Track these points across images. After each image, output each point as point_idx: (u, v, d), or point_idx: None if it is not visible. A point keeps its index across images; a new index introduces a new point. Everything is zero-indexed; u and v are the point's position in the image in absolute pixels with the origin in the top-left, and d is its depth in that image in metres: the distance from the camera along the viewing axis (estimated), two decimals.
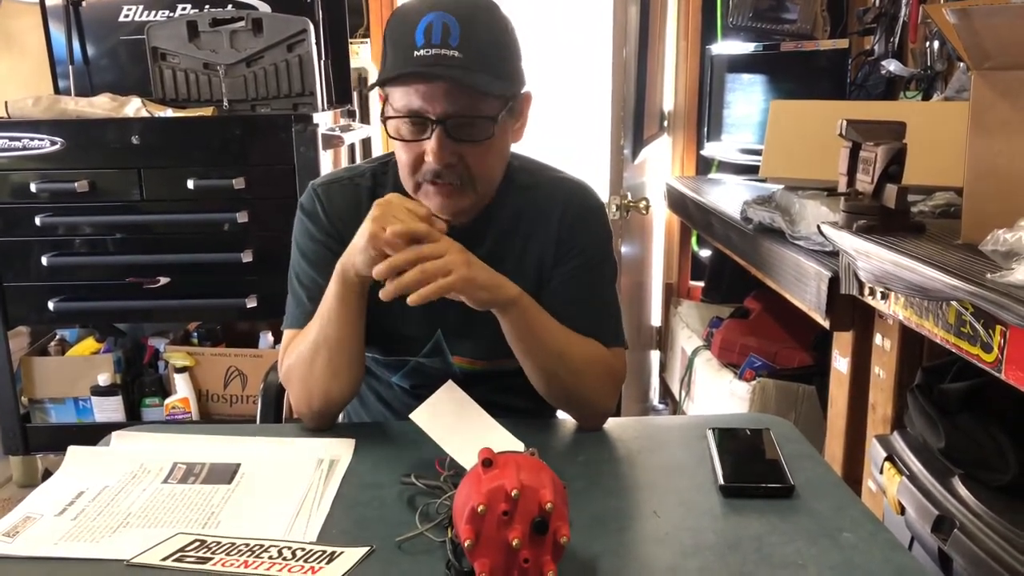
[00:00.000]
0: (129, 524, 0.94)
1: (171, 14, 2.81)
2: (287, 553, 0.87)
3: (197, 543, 0.89)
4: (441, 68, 1.07)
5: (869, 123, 1.49)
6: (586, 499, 0.97)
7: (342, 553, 0.87)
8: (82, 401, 2.70)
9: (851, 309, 1.63)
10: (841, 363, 1.71)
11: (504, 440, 0.99)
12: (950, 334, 1.23)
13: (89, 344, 2.79)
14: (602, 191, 2.44)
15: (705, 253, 3.26)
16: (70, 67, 2.83)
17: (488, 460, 0.81)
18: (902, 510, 1.40)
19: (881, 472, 1.49)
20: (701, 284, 3.27)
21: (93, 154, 2.44)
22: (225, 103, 2.63)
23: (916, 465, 1.40)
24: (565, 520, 0.80)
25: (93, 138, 2.44)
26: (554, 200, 1.28)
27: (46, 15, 2.86)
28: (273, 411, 1.47)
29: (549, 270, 1.25)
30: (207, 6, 2.80)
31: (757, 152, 2.47)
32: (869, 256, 1.38)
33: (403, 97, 1.12)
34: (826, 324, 1.66)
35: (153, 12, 2.83)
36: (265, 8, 2.81)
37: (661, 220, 3.33)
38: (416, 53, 1.08)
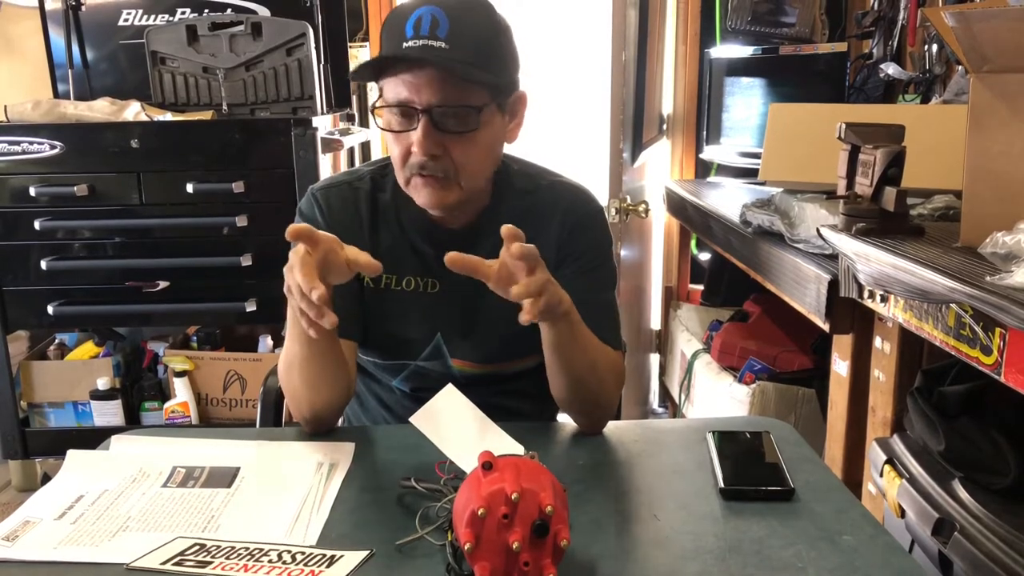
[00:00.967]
0: (129, 528, 0.94)
1: (170, 18, 2.81)
2: (287, 557, 0.87)
3: (197, 547, 0.89)
4: (426, 53, 1.09)
5: (868, 126, 1.49)
6: (586, 502, 0.97)
7: (342, 557, 0.87)
8: (81, 405, 2.70)
9: (851, 312, 1.62)
10: (841, 366, 1.71)
11: (504, 443, 0.99)
12: (950, 337, 1.23)
13: (88, 348, 2.79)
14: (601, 194, 2.44)
15: (704, 256, 3.26)
16: (69, 71, 2.84)
17: (488, 463, 0.81)
18: (902, 513, 1.40)
19: (881, 475, 1.49)
20: (700, 287, 3.27)
21: (92, 158, 2.44)
22: (224, 107, 2.63)
23: (916, 468, 1.40)
24: (565, 523, 0.80)
25: (92, 142, 2.44)
26: (555, 204, 1.28)
27: (45, 19, 2.86)
28: (272, 415, 1.47)
29: (552, 269, 1.25)
30: (206, 10, 2.81)
31: (756, 155, 2.47)
32: (868, 259, 1.38)
33: (392, 89, 1.13)
34: (826, 327, 1.66)
35: (152, 16, 2.84)
36: (264, 12, 2.82)
37: (660, 223, 3.33)
38: (405, 44, 1.10)
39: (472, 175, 1.17)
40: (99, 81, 2.89)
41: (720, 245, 2.41)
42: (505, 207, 1.27)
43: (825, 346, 2.04)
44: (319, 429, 1.19)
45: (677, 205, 2.95)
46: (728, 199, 2.59)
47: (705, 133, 3.13)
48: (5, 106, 2.51)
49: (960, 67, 2.14)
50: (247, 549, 0.89)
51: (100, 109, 2.52)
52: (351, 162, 3.03)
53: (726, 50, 3.07)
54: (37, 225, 2.45)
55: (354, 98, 3.02)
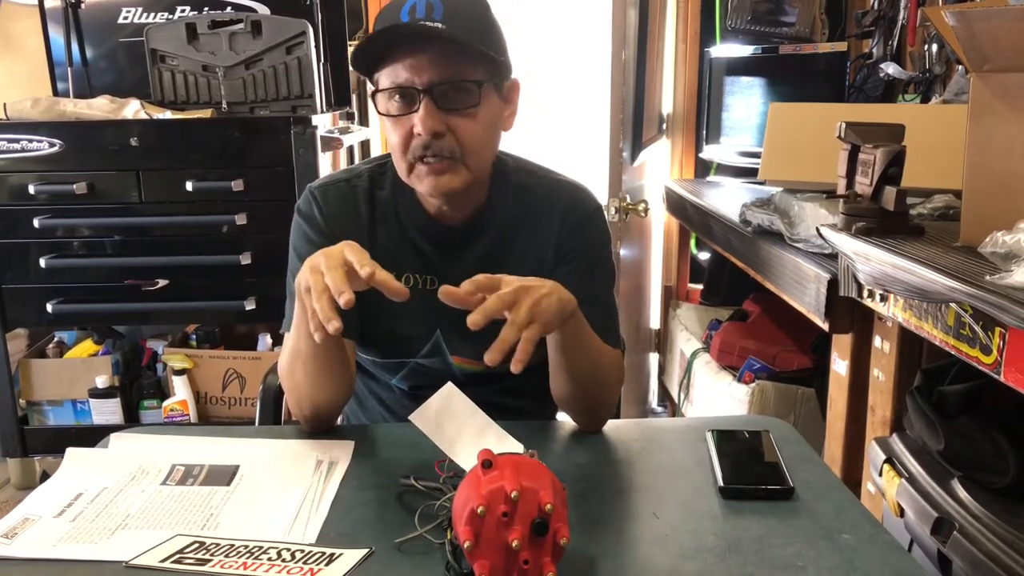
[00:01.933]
0: (128, 526, 0.94)
1: (170, 16, 2.81)
2: (286, 555, 0.87)
3: (196, 545, 0.89)
4: (424, 30, 1.10)
5: (868, 126, 1.49)
6: (586, 501, 0.97)
7: (341, 555, 0.87)
8: (80, 403, 2.70)
9: (850, 311, 1.63)
10: (840, 365, 1.71)
11: (503, 442, 0.99)
12: (949, 336, 1.23)
13: (87, 346, 2.79)
14: (601, 193, 2.45)
15: (704, 256, 3.26)
16: (69, 69, 2.83)
17: (488, 461, 0.81)
18: (901, 512, 1.40)
19: (880, 474, 1.49)
20: (700, 287, 3.27)
21: (92, 156, 2.44)
22: (224, 105, 2.63)
23: (915, 467, 1.41)
24: (565, 522, 0.80)
25: (92, 140, 2.44)
26: (554, 202, 1.28)
27: (45, 17, 2.86)
28: (272, 413, 1.47)
29: (549, 272, 1.25)
30: (206, 8, 2.80)
31: (756, 155, 2.47)
32: (868, 258, 1.38)
33: (390, 75, 1.13)
34: (825, 326, 1.66)
35: (152, 14, 2.83)
36: (264, 10, 2.81)
37: (660, 223, 3.33)
38: (399, 24, 1.12)
39: (477, 155, 1.17)
40: (98, 79, 2.89)
41: (720, 244, 2.41)
42: (503, 204, 1.27)
43: (824, 345, 2.04)
44: (319, 427, 1.19)
45: (677, 204, 2.95)
46: (728, 198, 2.59)
47: (705, 132, 3.13)
48: (4, 104, 2.51)
49: (960, 67, 2.14)
50: (246, 547, 0.88)
51: (99, 107, 2.52)
52: (351, 160, 3.02)
53: (726, 49, 3.07)
54: (36, 223, 2.45)
55: (354, 97, 3.02)
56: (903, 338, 1.52)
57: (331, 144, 2.59)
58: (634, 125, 2.63)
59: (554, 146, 3.49)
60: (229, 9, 2.79)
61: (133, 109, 2.51)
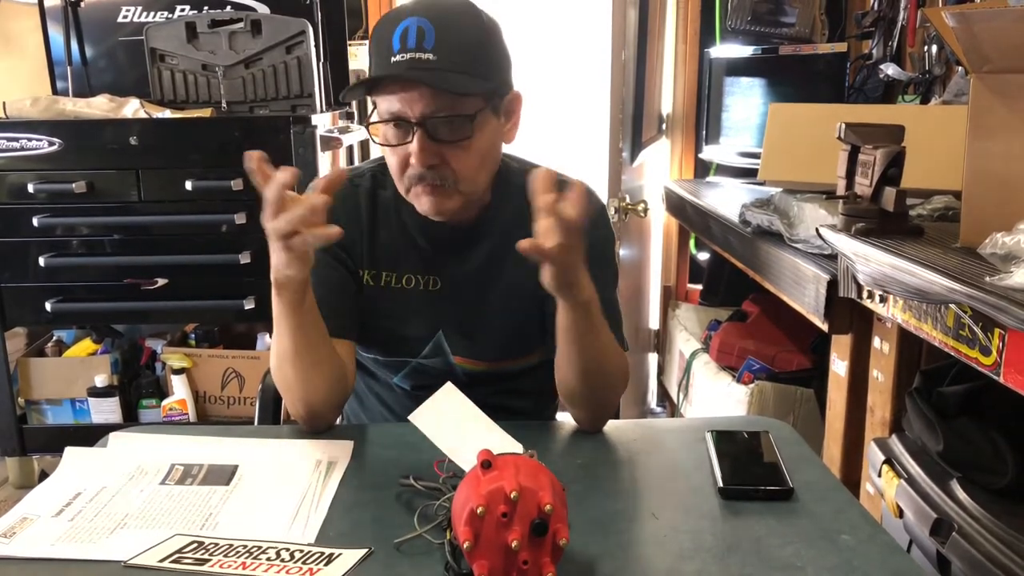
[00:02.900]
0: (127, 525, 0.94)
1: (170, 15, 2.81)
2: (285, 555, 0.87)
3: (195, 544, 0.89)
4: (415, 72, 1.09)
5: (868, 126, 1.49)
6: (585, 501, 0.97)
7: (340, 555, 0.87)
8: (79, 402, 2.70)
9: (849, 312, 1.63)
10: (839, 366, 1.71)
11: (503, 442, 0.99)
12: (949, 337, 1.23)
13: (86, 345, 2.79)
14: (600, 194, 2.44)
15: (703, 256, 3.26)
16: (68, 68, 2.83)
17: (487, 462, 0.81)
18: (900, 513, 1.40)
19: (879, 475, 1.49)
20: (699, 287, 3.27)
21: (91, 155, 2.44)
22: (223, 104, 2.63)
23: (914, 468, 1.40)
24: (564, 522, 0.80)
25: (91, 139, 2.44)
26: None
27: (44, 16, 2.85)
28: (271, 413, 1.47)
29: None
30: (206, 7, 2.80)
31: (755, 155, 2.47)
32: (868, 259, 1.38)
33: (384, 102, 1.14)
34: (824, 327, 1.66)
35: (152, 13, 2.83)
36: (264, 10, 2.81)
37: (659, 223, 3.33)
38: (393, 59, 1.10)
39: (471, 181, 1.17)
40: (98, 78, 2.88)
41: (719, 245, 2.41)
42: (505, 205, 1.27)
43: (824, 346, 2.04)
44: (316, 426, 1.19)
45: (676, 205, 2.95)
46: (727, 199, 2.59)
47: (704, 133, 3.13)
48: (4, 102, 2.51)
49: (960, 68, 2.15)
50: (245, 547, 0.88)
51: (99, 106, 2.52)
52: (350, 160, 3.02)
53: (726, 50, 3.07)
54: (35, 222, 2.44)
55: None
56: (902, 339, 1.52)
57: (331, 144, 2.59)
58: (634, 125, 2.63)
59: (554, 146, 3.49)
60: (229, 8, 2.78)
61: (133, 108, 2.51)
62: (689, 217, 2.77)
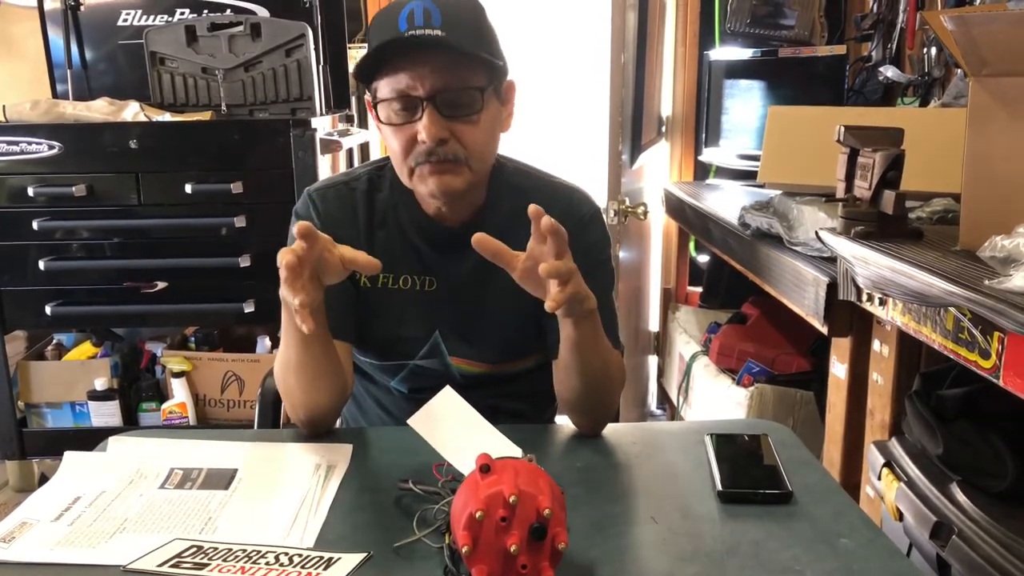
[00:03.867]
0: (126, 530, 0.94)
1: (169, 19, 2.81)
2: (284, 559, 0.87)
3: (194, 549, 0.89)
4: (429, 40, 1.10)
5: (867, 129, 1.49)
6: (584, 505, 0.97)
7: (339, 559, 0.87)
8: (79, 406, 2.69)
9: (849, 315, 1.63)
10: (839, 369, 1.71)
11: (502, 446, 0.99)
12: (948, 340, 1.23)
13: (86, 348, 2.79)
14: (600, 196, 2.45)
15: (703, 258, 3.26)
16: (68, 71, 2.83)
17: (486, 466, 0.81)
18: (900, 516, 1.40)
19: (879, 478, 1.49)
20: (699, 289, 3.27)
21: (91, 158, 2.44)
22: (223, 108, 2.63)
23: (914, 471, 1.40)
24: (563, 526, 0.79)
25: (91, 142, 2.44)
26: (551, 205, 1.27)
27: (44, 19, 2.86)
28: (270, 416, 1.47)
29: None
30: (205, 11, 2.81)
31: (755, 158, 2.47)
32: (867, 262, 1.38)
33: (390, 83, 1.14)
34: (824, 330, 1.66)
35: (151, 17, 2.84)
36: (264, 13, 2.82)
37: (659, 225, 3.33)
38: (401, 36, 1.11)
39: (479, 157, 1.18)
40: (98, 81, 2.89)
41: (719, 247, 2.41)
42: (500, 206, 1.27)
43: (823, 349, 2.04)
44: (316, 431, 1.19)
45: (676, 207, 2.95)
46: (727, 201, 2.59)
47: (704, 135, 3.13)
48: (4, 106, 2.51)
49: (959, 70, 2.15)
50: (244, 551, 0.88)
51: (99, 109, 2.52)
52: (350, 163, 3.02)
53: (725, 52, 3.07)
54: (35, 225, 2.44)
55: (353, 99, 3.02)
56: (902, 342, 1.52)
57: (330, 147, 2.59)
58: (633, 128, 2.63)
59: (553, 148, 3.49)
60: (228, 12, 2.79)
61: (132, 111, 2.51)
62: (689, 219, 2.77)
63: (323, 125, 2.55)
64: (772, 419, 1.94)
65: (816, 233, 1.62)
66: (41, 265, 2.45)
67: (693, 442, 1.15)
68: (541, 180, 1.32)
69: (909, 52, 2.53)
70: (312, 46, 2.62)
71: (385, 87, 1.14)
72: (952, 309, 1.20)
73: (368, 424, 1.38)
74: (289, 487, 1.02)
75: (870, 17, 2.68)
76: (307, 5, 2.78)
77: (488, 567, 0.77)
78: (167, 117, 2.54)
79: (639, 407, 3.20)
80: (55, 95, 2.89)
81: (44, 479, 2.78)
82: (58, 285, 2.51)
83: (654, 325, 3.43)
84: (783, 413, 2.17)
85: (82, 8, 2.83)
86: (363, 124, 3.09)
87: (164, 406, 2.69)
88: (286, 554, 0.88)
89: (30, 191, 2.42)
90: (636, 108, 2.63)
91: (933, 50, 2.37)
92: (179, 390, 2.68)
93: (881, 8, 2.63)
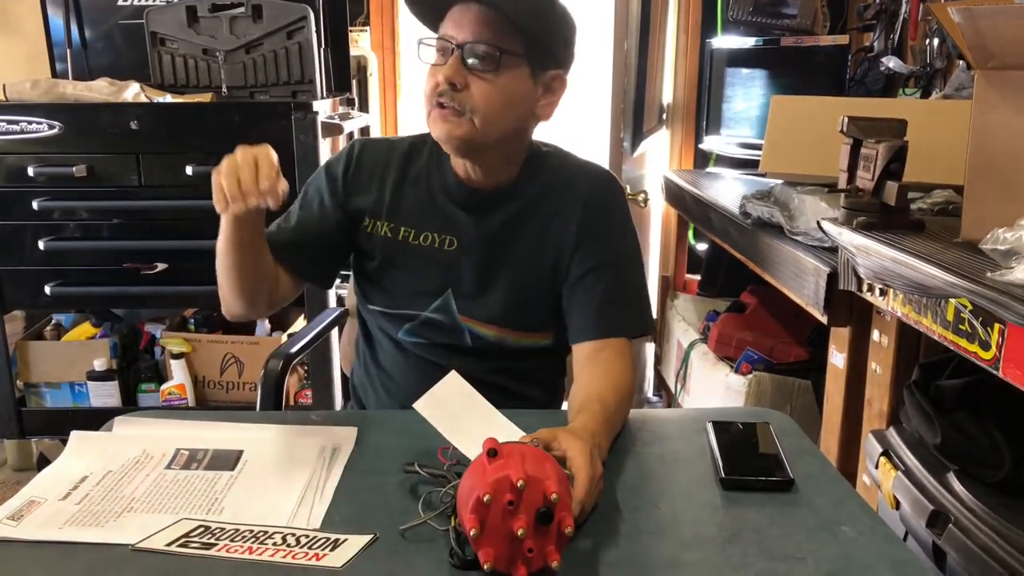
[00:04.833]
0: (133, 509, 0.94)
1: None
2: (291, 540, 0.88)
3: (201, 529, 0.90)
4: None
5: (870, 120, 1.50)
6: None
7: (345, 540, 0.88)
8: (78, 386, 2.70)
9: (849, 305, 1.63)
10: (838, 358, 1.72)
11: (507, 430, 1.00)
12: (948, 331, 1.24)
13: (85, 329, 2.79)
14: None
15: (702, 247, 3.26)
16: (68, 50, 2.81)
17: (493, 450, 0.81)
18: (897, 505, 1.42)
19: (876, 467, 1.50)
20: (697, 277, 3.28)
21: (91, 139, 2.43)
22: (224, 89, 2.62)
23: (912, 460, 1.42)
24: (569, 511, 0.80)
25: (91, 123, 2.43)
26: (579, 184, 1.34)
27: None
28: (272, 399, 1.48)
29: (570, 250, 1.30)
30: None
31: (755, 146, 2.47)
32: (868, 252, 1.38)
33: (441, 28, 1.22)
34: (824, 319, 1.67)
35: None
36: None
37: (658, 213, 3.33)
38: None
39: (485, 116, 1.20)
40: (97, 61, 2.86)
41: (718, 236, 2.41)
42: (533, 179, 1.32)
43: (822, 338, 2.05)
44: (230, 314, 1.37)
45: (675, 195, 2.95)
46: (727, 190, 2.59)
47: (705, 123, 3.13)
48: (3, 85, 2.50)
49: (961, 62, 2.15)
50: (251, 531, 0.89)
51: (99, 89, 2.51)
52: None
53: (727, 41, 3.06)
54: (35, 205, 2.44)
55: (354, 82, 3.01)
56: (901, 332, 1.53)
57: (331, 130, 2.58)
58: (635, 115, 2.63)
59: (555, 135, 3.48)
60: None
61: (133, 92, 2.50)
62: (688, 208, 2.77)
63: (324, 108, 2.54)
64: (770, 407, 1.95)
65: (818, 223, 1.62)
66: (41, 245, 2.45)
67: (695, 430, 1.16)
68: (574, 161, 1.39)
69: (911, 43, 2.52)
70: (314, 28, 2.60)
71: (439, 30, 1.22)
72: (953, 300, 1.21)
73: (374, 393, 1.41)
74: (295, 469, 1.03)
75: (872, 7, 2.68)
76: None
77: (495, 550, 0.78)
78: (168, 98, 2.53)
79: (636, 394, 3.21)
80: (54, 74, 2.87)
81: (43, 459, 2.79)
82: (57, 265, 2.51)
83: (652, 312, 3.43)
84: (781, 401, 2.18)
85: None
86: (364, 108, 3.08)
87: (163, 387, 2.70)
88: (293, 535, 0.89)
89: (30, 171, 2.41)
90: (638, 95, 2.63)
91: (935, 41, 2.36)
92: (178, 371, 2.68)
93: None
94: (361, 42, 3.08)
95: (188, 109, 2.49)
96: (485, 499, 0.77)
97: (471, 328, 1.32)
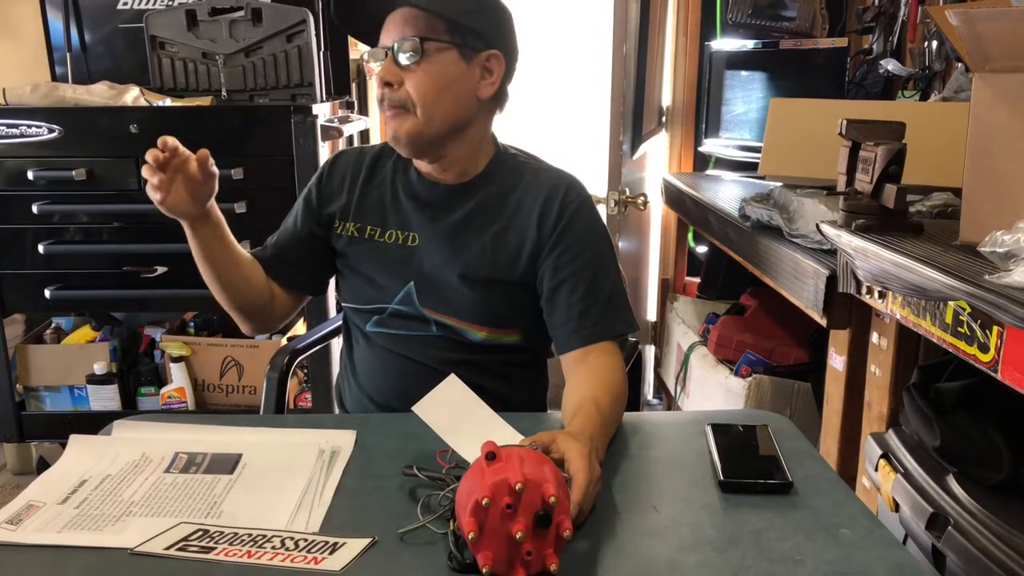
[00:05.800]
0: (132, 513, 0.94)
1: (170, 3, 2.80)
2: (289, 543, 0.88)
3: (200, 532, 0.90)
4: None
5: (869, 123, 1.50)
6: None
7: (344, 544, 0.88)
8: (77, 389, 2.70)
9: (848, 307, 1.63)
10: (837, 361, 1.72)
11: (505, 434, 1.00)
12: (947, 334, 1.24)
13: (85, 332, 2.79)
14: (600, 186, 2.46)
15: (701, 249, 3.27)
16: (68, 54, 2.82)
17: (492, 453, 0.81)
18: (896, 507, 1.42)
19: (876, 469, 1.50)
20: (697, 280, 3.28)
21: (91, 142, 2.44)
22: (224, 93, 2.63)
23: (911, 463, 1.42)
24: (568, 514, 0.80)
25: (91, 126, 2.43)
26: (541, 188, 1.35)
27: (44, 1, 2.84)
28: (275, 402, 1.48)
29: (531, 253, 1.31)
30: None
31: (755, 149, 2.47)
32: (867, 255, 1.38)
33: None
34: (823, 322, 1.67)
35: (152, 0, 2.82)
36: None
37: (658, 216, 3.33)
38: None
39: (424, 105, 1.24)
40: (97, 64, 2.87)
41: (718, 238, 2.41)
42: (495, 176, 1.35)
43: (821, 340, 2.05)
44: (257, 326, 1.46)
45: (675, 198, 2.95)
46: (726, 193, 2.59)
47: (704, 126, 3.13)
48: (3, 89, 2.50)
49: (960, 64, 2.15)
50: (250, 535, 0.89)
51: (99, 93, 2.51)
52: None
53: (726, 43, 3.07)
54: (35, 209, 2.44)
55: (354, 86, 3.01)
56: (901, 335, 1.53)
57: (331, 133, 2.58)
58: (634, 118, 2.64)
59: (554, 138, 3.48)
60: None
61: (132, 96, 2.50)
62: (688, 210, 2.77)
63: (324, 112, 2.54)
64: (769, 409, 1.95)
65: (817, 226, 1.63)
66: (40, 249, 2.46)
67: (693, 432, 1.16)
68: (538, 164, 1.39)
69: (910, 45, 2.53)
70: (313, 32, 2.61)
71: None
72: (952, 303, 1.21)
73: (352, 397, 1.43)
74: (293, 472, 1.03)
75: (871, 10, 2.68)
76: None
77: (493, 553, 0.78)
78: (167, 102, 2.53)
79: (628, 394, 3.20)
80: (54, 78, 2.87)
81: (42, 462, 2.79)
82: (57, 269, 2.51)
83: (652, 315, 3.44)
84: (780, 404, 2.18)
85: None
86: (363, 111, 3.08)
87: (163, 391, 2.70)
88: (291, 538, 0.89)
89: (30, 175, 2.42)
90: (637, 98, 2.63)
91: (934, 43, 2.37)
92: (178, 375, 2.68)
93: (883, 1, 2.63)
94: (360, 46, 3.08)
95: (188, 113, 2.49)
96: (484, 502, 0.77)
97: (437, 320, 1.34)
